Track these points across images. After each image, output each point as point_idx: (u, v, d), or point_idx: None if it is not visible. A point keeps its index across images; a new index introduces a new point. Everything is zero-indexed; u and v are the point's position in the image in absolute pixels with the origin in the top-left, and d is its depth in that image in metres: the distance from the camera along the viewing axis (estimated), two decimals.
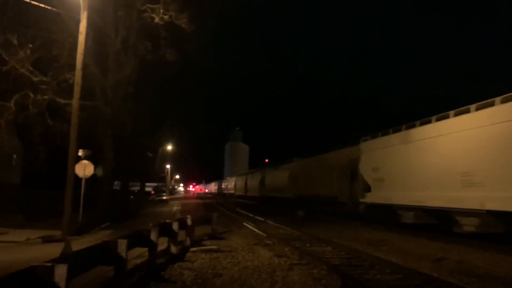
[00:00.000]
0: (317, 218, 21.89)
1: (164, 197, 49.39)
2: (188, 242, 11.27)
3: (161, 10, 18.37)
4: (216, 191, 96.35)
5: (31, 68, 16.60)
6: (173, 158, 70.79)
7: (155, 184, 67.21)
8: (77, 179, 16.08)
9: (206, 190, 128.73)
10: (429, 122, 14.52)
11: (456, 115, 13.15)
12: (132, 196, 41.80)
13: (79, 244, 9.30)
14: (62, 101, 17.68)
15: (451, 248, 10.82)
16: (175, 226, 9.82)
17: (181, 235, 10.68)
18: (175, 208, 34.05)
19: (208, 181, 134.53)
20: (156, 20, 18.72)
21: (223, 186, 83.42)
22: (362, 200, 18.42)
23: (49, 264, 4.12)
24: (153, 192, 58.54)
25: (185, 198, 70.41)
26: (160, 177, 70.48)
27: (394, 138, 16.61)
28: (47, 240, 13.22)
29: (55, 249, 8.87)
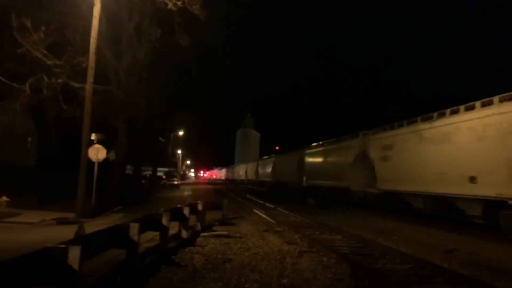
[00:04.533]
0: (327, 206, 21.88)
1: (175, 182, 49.83)
2: (199, 227, 11.39)
3: None
4: (227, 177, 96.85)
5: (45, 52, 16.70)
6: (185, 143, 71.31)
7: (167, 169, 67.81)
8: (90, 162, 16.29)
9: (217, 176, 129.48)
10: None
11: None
12: (144, 181, 42.28)
13: (91, 226, 9.45)
14: (76, 85, 17.80)
15: (463, 240, 10.72)
16: (186, 211, 9.91)
17: (192, 220, 10.79)
18: (186, 193, 34.40)
19: (219, 167, 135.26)
20: (169, 6, 18.61)
21: (240, 172, 76.40)
22: None
23: (63, 245, 4.18)
24: (164, 177, 59.10)
25: (196, 183, 71.01)
26: (172, 162, 71.06)
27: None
28: (60, 222, 13.48)
29: (69, 231, 9.02)
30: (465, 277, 6.88)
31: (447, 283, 6.64)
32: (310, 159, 30.55)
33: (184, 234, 9.77)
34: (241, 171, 73.25)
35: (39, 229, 12.46)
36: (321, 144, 28.82)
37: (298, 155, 34.13)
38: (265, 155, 61.36)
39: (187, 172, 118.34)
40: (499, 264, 8.10)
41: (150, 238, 9.11)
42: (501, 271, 7.57)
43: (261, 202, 24.69)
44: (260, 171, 55.21)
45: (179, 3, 18.47)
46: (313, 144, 31.13)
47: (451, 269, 7.53)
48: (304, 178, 31.62)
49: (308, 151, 31.44)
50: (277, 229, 12.75)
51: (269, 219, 15.52)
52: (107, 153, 18.02)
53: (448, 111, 14.18)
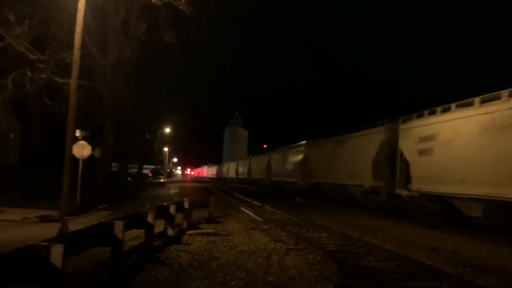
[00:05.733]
0: (314, 205, 21.97)
1: (162, 180, 49.53)
2: (185, 225, 11.32)
3: None
4: (214, 176, 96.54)
5: (28, 46, 16.39)
6: (172, 141, 70.88)
7: (153, 166, 67.34)
8: (75, 159, 16.05)
9: (204, 174, 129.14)
10: None
11: None
12: (130, 178, 41.91)
13: (76, 224, 9.30)
14: (60, 80, 17.51)
15: (448, 238, 10.89)
16: (172, 209, 9.84)
17: (178, 218, 10.73)
18: (172, 191, 34.21)
19: (206, 165, 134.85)
20: (154, 0, 18.42)
21: (239, 169, 59.81)
22: None
23: (46, 243, 4.11)
24: (150, 175, 58.65)
25: (182, 181, 70.66)
26: (158, 160, 70.57)
27: None
28: (44, 219, 13.24)
29: (52, 229, 8.84)
30: (449, 274, 6.98)
31: (431, 280, 6.73)
32: (418, 144, 15.00)
33: (170, 232, 9.70)
34: (241, 168, 56.76)
35: (21, 227, 12.22)
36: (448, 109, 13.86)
37: (371, 137, 18.91)
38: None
39: (174, 170, 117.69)
40: (482, 262, 8.26)
41: (136, 236, 9.01)
42: (484, 268, 7.71)
43: (248, 200, 24.69)
44: (275, 168, 38.16)
45: None
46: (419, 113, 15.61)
47: (435, 266, 7.64)
48: (400, 179, 16.20)
49: (406, 126, 16.17)
50: (264, 227, 12.76)
51: (256, 217, 15.52)
52: (92, 150, 17.78)
53: None
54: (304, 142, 31.03)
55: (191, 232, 11.01)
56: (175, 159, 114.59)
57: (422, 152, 14.64)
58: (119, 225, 6.03)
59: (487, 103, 11.93)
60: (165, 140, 64.16)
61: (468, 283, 6.48)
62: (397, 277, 6.87)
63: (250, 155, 51.90)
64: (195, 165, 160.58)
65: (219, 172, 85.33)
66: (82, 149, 16.57)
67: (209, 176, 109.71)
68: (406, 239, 10.92)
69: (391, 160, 16.98)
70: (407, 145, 15.82)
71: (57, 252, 4.08)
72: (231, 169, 66.11)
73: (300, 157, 30.29)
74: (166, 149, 73.62)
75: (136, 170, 49.32)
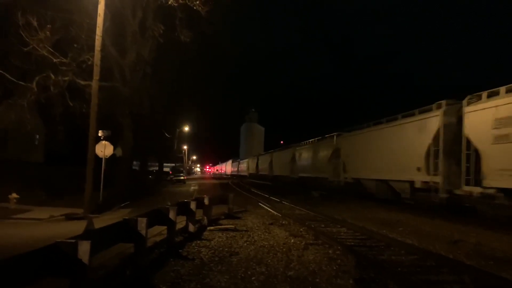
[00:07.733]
0: (331, 199, 21.89)
1: (182, 177, 50.09)
2: (205, 221, 11.51)
3: None
4: (232, 172, 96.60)
5: (51, 49, 16.84)
6: (190, 139, 71.52)
7: (173, 164, 68.21)
8: (98, 158, 16.46)
9: (228, 171, 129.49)
10: None
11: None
12: (150, 176, 42.61)
13: (99, 222, 9.58)
14: (82, 82, 17.95)
15: (469, 230, 10.73)
16: (192, 205, 10.02)
17: (199, 214, 10.90)
18: (192, 187, 34.61)
19: (225, 161, 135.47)
20: (170, 1, 18.63)
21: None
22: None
23: (73, 240, 4.28)
24: (171, 172, 59.43)
25: (202, 178, 71.28)
26: (178, 157, 71.41)
27: None
28: (69, 217, 13.68)
29: (78, 226, 9.15)
30: (471, 267, 6.90)
31: (453, 273, 6.67)
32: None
33: (191, 228, 9.89)
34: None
35: (49, 224, 12.66)
36: None
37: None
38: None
39: (193, 167, 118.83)
40: (505, 255, 8.12)
41: (158, 232, 9.23)
42: (507, 261, 7.59)
43: (266, 196, 24.79)
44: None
45: None
46: None
47: (456, 259, 7.56)
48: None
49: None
50: (283, 222, 12.83)
51: (275, 212, 15.60)
52: (114, 149, 18.19)
53: None
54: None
55: (212, 227, 11.18)
56: (194, 157, 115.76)
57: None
58: (142, 222, 6.20)
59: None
60: (184, 138, 64.86)
61: (492, 276, 6.41)
62: (417, 270, 6.84)
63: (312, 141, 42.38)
64: (214, 162, 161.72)
65: (251, 167, 76.88)
66: (104, 149, 16.97)
67: (230, 173, 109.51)
68: (426, 232, 10.81)
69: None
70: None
71: (84, 249, 4.25)
72: (277, 162, 48.39)
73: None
74: (185, 147, 74.40)
75: (156, 168, 50.06)
